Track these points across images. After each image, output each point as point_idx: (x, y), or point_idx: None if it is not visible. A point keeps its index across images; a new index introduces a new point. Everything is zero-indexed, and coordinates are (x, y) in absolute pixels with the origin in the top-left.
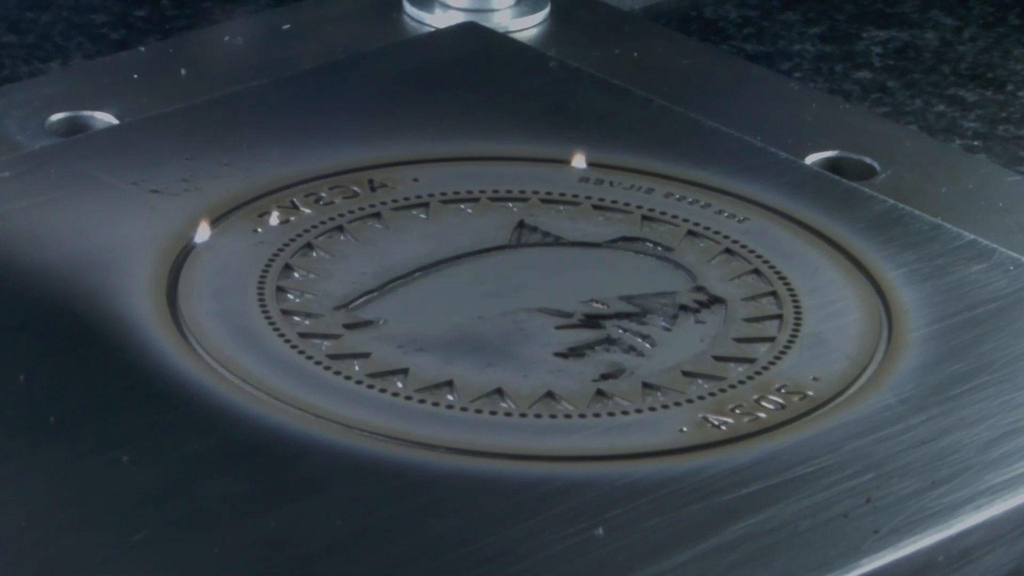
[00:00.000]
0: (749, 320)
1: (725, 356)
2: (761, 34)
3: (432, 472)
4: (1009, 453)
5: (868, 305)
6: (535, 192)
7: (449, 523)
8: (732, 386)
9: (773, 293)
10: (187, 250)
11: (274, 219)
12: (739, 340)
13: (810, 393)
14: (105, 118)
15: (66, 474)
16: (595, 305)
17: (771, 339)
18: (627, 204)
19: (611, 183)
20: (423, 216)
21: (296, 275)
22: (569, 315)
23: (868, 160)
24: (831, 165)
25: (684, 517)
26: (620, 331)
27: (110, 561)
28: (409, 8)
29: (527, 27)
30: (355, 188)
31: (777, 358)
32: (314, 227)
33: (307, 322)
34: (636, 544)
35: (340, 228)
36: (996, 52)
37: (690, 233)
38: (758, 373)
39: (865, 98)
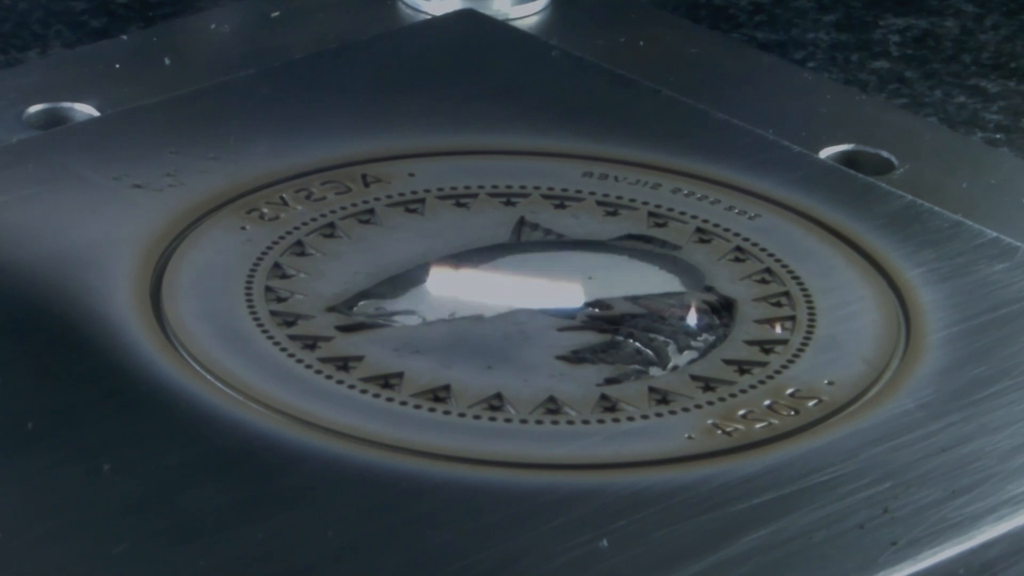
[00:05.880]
0: (760, 322)
1: (735, 359)
2: (773, 22)
3: (428, 481)
4: None
5: (885, 306)
6: (536, 188)
7: (446, 534)
8: (743, 391)
9: (786, 293)
10: (171, 248)
11: None
12: (750, 343)
13: (824, 398)
14: (85, 110)
15: (44, 483)
16: (599, 307)
17: (784, 342)
18: (633, 200)
19: (616, 178)
20: (419, 213)
21: (286, 274)
22: (572, 316)
23: (885, 154)
24: (846, 159)
25: (693, 528)
26: (625, 333)
27: (90, 574)
28: None
29: (528, 14)
30: (348, 183)
31: (790, 361)
32: (305, 224)
33: (297, 324)
34: (643, 556)
35: (332, 225)
36: (1019, 41)
37: (699, 231)
38: (770, 377)
39: (882, 89)
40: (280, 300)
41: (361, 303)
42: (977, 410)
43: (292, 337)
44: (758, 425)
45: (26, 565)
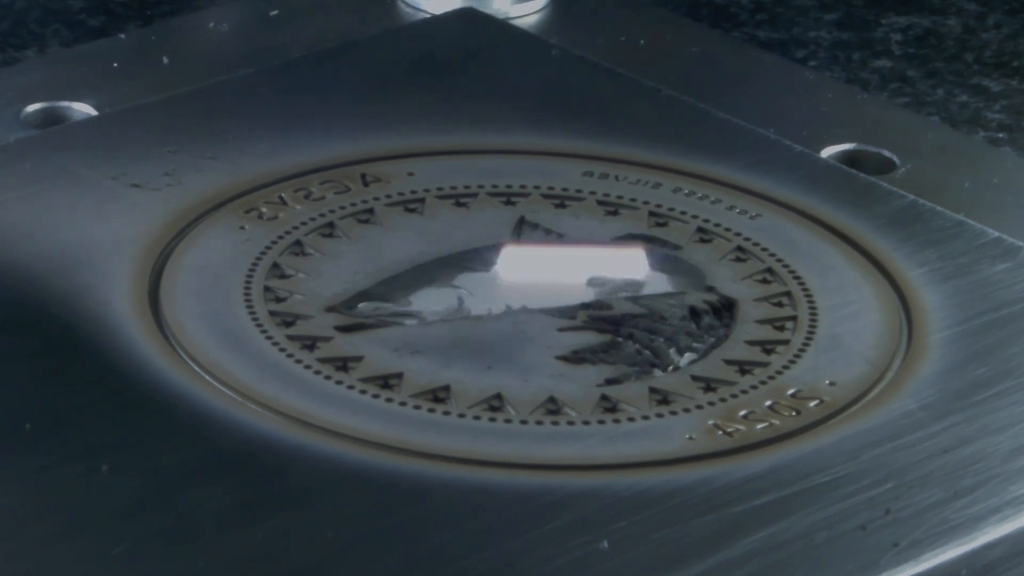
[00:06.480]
0: (762, 322)
1: (736, 360)
2: (775, 20)
3: (427, 482)
4: None
5: (887, 306)
6: (536, 187)
7: (445, 536)
8: (744, 391)
9: (787, 293)
10: (170, 248)
11: None
12: (751, 343)
13: (826, 399)
14: (83, 109)
15: (42, 484)
16: (600, 307)
17: (785, 342)
18: (633, 200)
19: (616, 178)
20: (419, 213)
21: (285, 274)
22: (572, 317)
23: (887, 153)
24: (848, 158)
25: (693, 529)
26: (626, 334)
27: (90, 574)
28: None
29: (528, 13)
30: (347, 183)
31: (791, 362)
32: (304, 224)
33: (296, 324)
34: (643, 558)
35: (331, 225)
36: (1022, 39)
37: (700, 230)
38: (771, 378)
39: (884, 88)
40: (279, 300)
41: (360, 303)
42: (979, 411)
43: (291, 337)
44: (759, 426)
45: (26, 565)
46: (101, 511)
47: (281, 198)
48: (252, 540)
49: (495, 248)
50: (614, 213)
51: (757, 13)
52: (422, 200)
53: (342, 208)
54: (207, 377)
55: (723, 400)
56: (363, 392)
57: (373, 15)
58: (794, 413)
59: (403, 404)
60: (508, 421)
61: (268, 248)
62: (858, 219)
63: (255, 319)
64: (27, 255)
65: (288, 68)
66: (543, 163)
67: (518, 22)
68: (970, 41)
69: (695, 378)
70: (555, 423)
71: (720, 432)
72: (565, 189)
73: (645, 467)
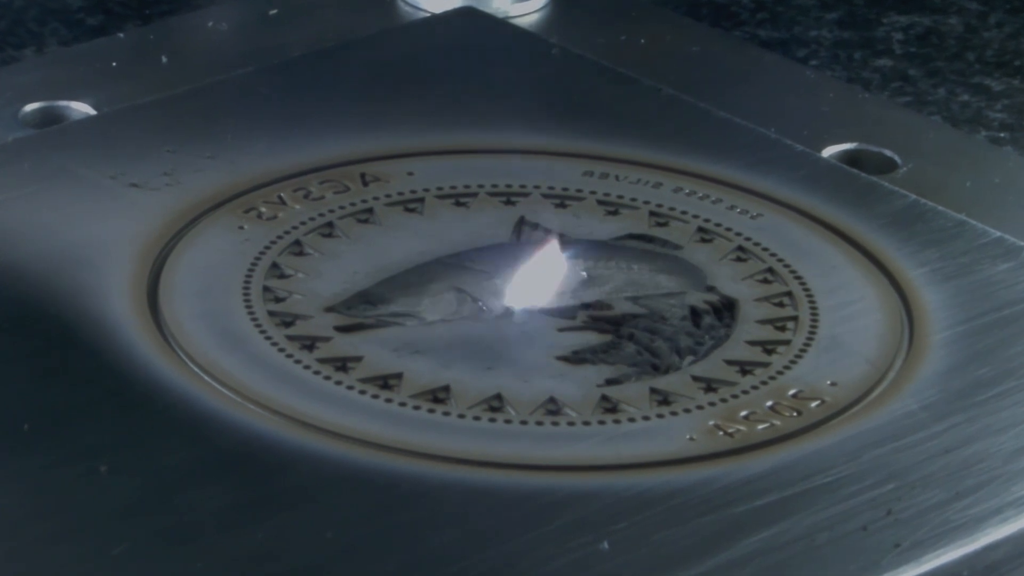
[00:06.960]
0: (763, 322)
1: (737, 360)
2: (775, 19)
3: (427, 483)
4: None
5: (888, 306)
6: (536, 187)
7: (445, 536)
8: (744, 392)
9: (788, 293)
10: (169, 248)
11: None
12: (752, 343)
13: (827, 399)
14: (82, 108)
15: (41, 484)
16: (600, 307)
17: (786, 342)
18: (634, 199)
19: (617, 177)
20: (418, 212)
21: (284, 274)
22: (572, 317)
23: (888, 153)
24: (849, 158)
25: (694, 530)
26: (626, 334)
27: (89, 574)
28: None
29: (528, 12)
30: (346, 182)
31: (792, 362)
32: (303, 223)
33: (296, 324)
34: (643, 559)
35: (331, 225)
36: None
37: (700, 230)
38: (772, 378)
39: (885, 87)
40: (278, 300)
41: (360, 303)
42: (981, 411)
43: (290, 337)
44: (760, 426)
45: (26, 565)
46: (101, 511)
47: (280, 198)
48: (252, 540)
49: (495, 248)
50: (614, 213)
51: (758, 12)
52: (422, 200)
53: (341, 208)
54: (206, 377)
55: (724, 400)
56: (363, 392)
57: (373, 15)
58: (795, 413)
59: (403, 404)
60: (508, 421)
61: (267, 248)
62: (859, 219)
63: (254, 319)
64: (26, 255)
65: (288, 68)
66: (543, 163)
67: (518, 21)
68: (972, 40)
69: (696, 378)
70: (555, 423)
71: (721, 432)
72: (565, 189)
73: (645, 467)
